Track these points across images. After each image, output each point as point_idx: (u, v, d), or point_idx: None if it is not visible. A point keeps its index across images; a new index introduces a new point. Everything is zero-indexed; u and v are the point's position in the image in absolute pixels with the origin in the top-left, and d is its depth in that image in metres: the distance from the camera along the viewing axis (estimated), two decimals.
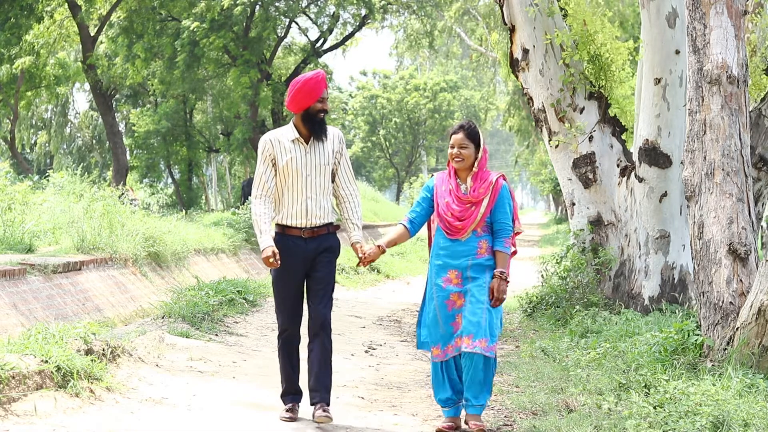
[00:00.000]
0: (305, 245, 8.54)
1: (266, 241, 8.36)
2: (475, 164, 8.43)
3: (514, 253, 8.55)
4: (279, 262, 8.32)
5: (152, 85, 45.92)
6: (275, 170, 8.55)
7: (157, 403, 9.29)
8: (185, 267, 21.60)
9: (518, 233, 8.55)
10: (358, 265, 8.78)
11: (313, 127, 8.55)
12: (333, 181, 8.71)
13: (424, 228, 8.88)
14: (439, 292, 8.43)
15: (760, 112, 14.28)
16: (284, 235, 8.57)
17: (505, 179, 8.54)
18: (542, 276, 17.14)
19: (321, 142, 8.58)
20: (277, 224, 8.63)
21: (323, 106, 8.53)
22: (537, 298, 16.51)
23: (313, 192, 8.54)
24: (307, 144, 8.55)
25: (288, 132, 8.61)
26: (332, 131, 8.72)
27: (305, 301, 8.72)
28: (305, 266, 8.58)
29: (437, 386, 8.57)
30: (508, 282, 8.36)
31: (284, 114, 43.80)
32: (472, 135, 8.43)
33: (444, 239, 8.45)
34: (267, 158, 8.54)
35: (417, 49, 56.59)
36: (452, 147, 8.45)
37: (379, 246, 8.55)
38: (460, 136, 8.40)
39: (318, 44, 46.84)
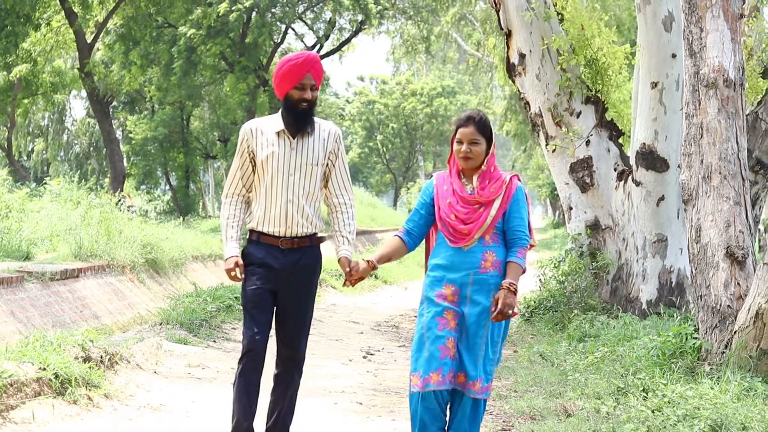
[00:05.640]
0: (283, 257, 7.21)
1: (230, 251, 7.18)
2: (484, 162, 6.98)
3: (523, 271, 7.02)
4: (242, 276, 7.18)
5: (149, 91, 45.99)
6: (253, 165, 7.27)
7: (156, 410, 9.29)
8: (183, 274, 21.60)
9: (531, 246, 7.10)
10: (345, 284, 7.30)
11: (290, 118, 7.22)
12: (325, 186, 7.40)
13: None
14: (430, 307, 6.95)
15: (757, 115, 14.30)
16: (259, 243, 7.28)
17: (519, 180, 7.10)
18: (540, 280, 17.14)
19: (311, 137, 7.24)
20: (252, 230, 7.33)
21: (302, 95, 7.17)
22: (535, 302, 16.52)
23: (295, 195, 7.19)
24: (294, 138, 7.21)
25: (274, 122, 7.31)
26: (329, 128, 7.37)
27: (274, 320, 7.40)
28: (279, 281, 7.22)
29: (416, 423, 6.95)
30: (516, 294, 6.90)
31: None
32: (484, 128, 6.95)
33: (445, 248, 6.98)
34: (245, 150, 7.27)
35: (414, 55, 56.61)
36: (460, 142, 6.95)
37: (368, 261, 7.09)
38: (470, 129, 6.92)
39: (315, 50, 46.87)
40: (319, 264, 7.42)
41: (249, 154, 7.26)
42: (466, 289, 6.90)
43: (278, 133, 7.22)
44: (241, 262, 7.18)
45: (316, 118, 7.36)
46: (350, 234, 7.39)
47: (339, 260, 7.36)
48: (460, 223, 6.92)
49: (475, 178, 7.00)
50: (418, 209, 7.19)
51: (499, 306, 6.77)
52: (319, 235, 7.42)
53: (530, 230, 7.06)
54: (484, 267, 6.88)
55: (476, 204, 6.93)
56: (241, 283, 7.29)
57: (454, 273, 6.92)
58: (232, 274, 7.15)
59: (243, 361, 7.19)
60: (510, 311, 6.82)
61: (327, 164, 7.33)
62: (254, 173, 7.29)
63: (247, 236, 7.40)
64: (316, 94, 7.30)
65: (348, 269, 7.21)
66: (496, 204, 6.91)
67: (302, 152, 7.22)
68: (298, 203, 7.20)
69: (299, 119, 7.20)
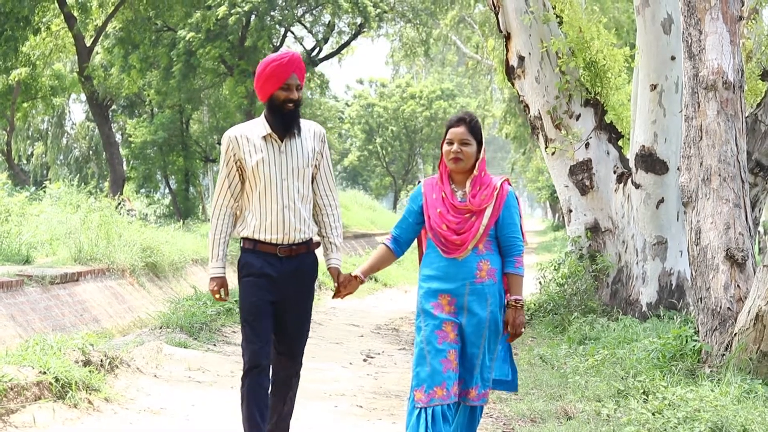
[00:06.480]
0: (281, 266, 6.99)
1: (216, 270, 7.08)
2: (476, 166, 6.78)
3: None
4: (227, 297, 7.07)
5: (148, 95, 45.98)
6: (242, 175, 7.02)
7: (156, 414, 9.29)
8: (183, 277, 21.59)
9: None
10: (334, 296, 7.26)
11: (276, 120, 6.98)
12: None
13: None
14: (428, 319, 6.74)
15: (756, 117, 14.31)
16: (255, 252, 7.02)
17: (510, 184, 6.91)
18: (540, 283, 17.13)
19: (298, 138, 7.02)
20: (247, 239, 7.05)
21: (289, 95, 6.95)
22: (535, 305, 16.50)
23: (290, 200, 6.96)
24: (282, 141, 6.98)
25: (258, 126, 7.05)
26: (312, 127, 7.17)
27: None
28: (279, 290, 7.00)
29: None
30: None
31: None
32: (475, 130, 6.77)
33: (438, 258, 6.79)
34: (230, 160, 7.00)
35: (413, 58, 56.57)
36: (450, 143, 6.76)
37: (356, 276, 7.02)
38: (461, 130, 6.73)
39: (314, 53, 46.94)
40: (316, 269, 7.23)
41: (236, 164, 7.01)
42: (462, 300, 6.72)
43: (265, 138, 6.98)
44: (226, 282, 7.04)
45: (300, 119, 7.14)
46: (338, 238, 7.25)
47: (329, 269, 7.22)
48: (452, 233, 6.73)
49: (468, 183, 6.80)
50: (406, 217, 7.01)
51: (511, 330, 6.74)
52: (315, 240, 7.19)
53: (522, 234, 6.88)
54: (479, 277, 6.70)
55: (467, 212, 6.75)
56: (240, 292, 7.06)
57: (449, 284, 6.73)
58: (217, 296, 7.05)
59: (249, 377, 6.98)
60: (522, 330, 6.78)
61: (314, 165, 7.13)
62: (242, 183, 7.06)
63: (241, 245, 7.12)
64: (301, 94, 7.10)
65: (337, 284, 7.12)
66: (488, 212, 6.73)
67: (292, 155, 7.01)
68: (295, 208, 6.98)
69: (286, 121, 7.00)
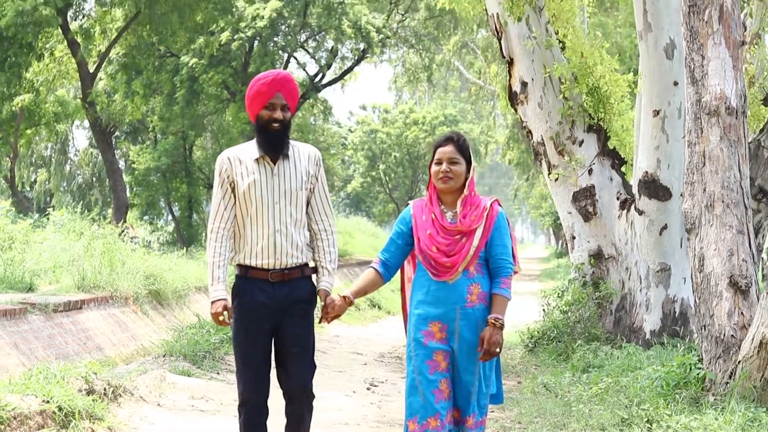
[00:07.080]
0: (273, 291, 6.83)
1: (217, 293, 6.79)
2: (466, 185, 6.75)
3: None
4: (230, 320, 6.82)
5: (152, 121, 46.06)
6: (235, 196, 6.88)
7: None
8: (186, 305, 21.57)
9: (515, 272, 6.80)
10: (320, 321, 6.99)
11: (263, 141, 6.89)
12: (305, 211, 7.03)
13: None
14: (418, 349, 6.71)
15: (759, 143, 14.31)
16: (247, 278, 6.89)
17: (500, 204, 6.85)
18: (543, 310, 17.09)
19: (290, 161, 6.89)
20: (239, 265, 6.94)
21: (272, 115, 6.86)
22: (538, 332, 16.46)
23: (282, 224, 6.82)
24: (275, 164, 6.87)
25: (251, 149, 6.95)
26: (307, 150, 7.05)
27: (273, 364, 7.03)
28: (273, 319, 6.85)
29: None
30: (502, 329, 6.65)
31: None
32: (463, 149, 6.75)
33: (427, 281, 6.71)
34: (224, 181, 6.88)
35: (415, 83, 56.69)
36: (438, 163, 6.72)
37: (345, 297, 6.87)
38: (449, 149, 6.70)
39: (317, 79, 47.05)
40: (313, 295, 7.03)
41: (230, 185, 6.88)
42: (453, 324, 6.64)
43: (257, 160, 6.87)
44: (229, 305, 6.82)
45: (294, 141, 7.05)
46: (331, 263, 7.05)
47: (318, 291, 7.02)
48: (442, 255, 6.65)
49: (458, 203, 6.73)
50: (394, 239, 6.92)
51: (486, 346, 6.55)
52: (311, 265, 7.04)
53: (514, 256, 6.80)
54: (470, 301, 6.63)
55: (458, 234, 6.67)
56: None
57: (440, 308, 6.66)
58: (220, 318, 6.77)
59: (244, 412, 6.91)
60: (498, 349, 6.59)
61: (309, 188, 6.98)
62: (237, 204, 6.90)
63: (236, 272, 6.98)
64: (289, 115, 6.98)
65: (324, 305, 6.93)
66: (478, 233, 6.66)
67: (285, 178, 6.87)
68: (287, 232, 6.84)
69: (272, 141, 6.88)
